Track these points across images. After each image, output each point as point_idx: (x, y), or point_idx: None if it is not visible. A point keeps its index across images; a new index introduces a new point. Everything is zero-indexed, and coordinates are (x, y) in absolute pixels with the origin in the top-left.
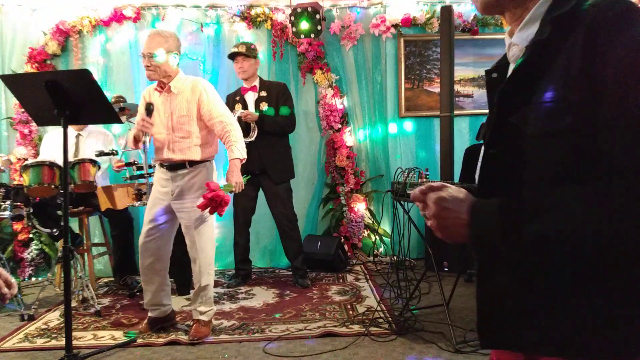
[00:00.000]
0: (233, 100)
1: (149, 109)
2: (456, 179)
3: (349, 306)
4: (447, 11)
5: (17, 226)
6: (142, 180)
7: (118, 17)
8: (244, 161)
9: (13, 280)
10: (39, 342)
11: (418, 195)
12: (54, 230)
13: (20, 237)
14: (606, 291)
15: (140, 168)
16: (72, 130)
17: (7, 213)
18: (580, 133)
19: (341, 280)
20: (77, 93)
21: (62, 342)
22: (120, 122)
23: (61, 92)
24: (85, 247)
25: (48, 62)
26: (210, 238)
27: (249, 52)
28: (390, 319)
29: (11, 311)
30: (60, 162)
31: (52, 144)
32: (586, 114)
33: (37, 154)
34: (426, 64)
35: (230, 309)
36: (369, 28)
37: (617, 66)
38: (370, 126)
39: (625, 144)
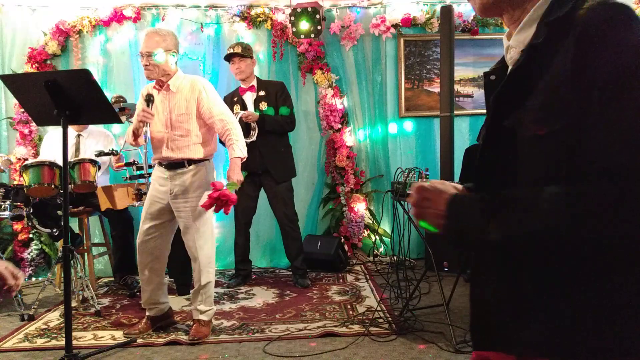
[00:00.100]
0: (231, 101)
1: (149, 100)
2: (456, 178)
3: (349, 306)
4: (447, 11)
5: (17, 226)
6: (142, 180)
7: (118, 17)
8: (244, 159)
9: (19, 272)
10: (39, 342)
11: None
12: (54, 230)
13: (20, 237)
14: (593, 293)
15: (140, 168)
16: (72, 130)
17: (7, 213)
18: (569, 136)
19: (341, 280)
20: (77, 93)
21: (62, 342)
22: (120, 122)
23: (61, 92)
24: (85, 247)
25: (48, 62)
26: (210, 236)
27: (245, 52)
28: (390, 319)
29: (11, 311)
30: (60, 162)
31: (52, 144)
32: (575, 118)
33: (37, 154)
34: (426, 64)
35: (230, 309)
36: (369, 28)
37: (604, 71)
38: (370, 126)
39: (602, 149)
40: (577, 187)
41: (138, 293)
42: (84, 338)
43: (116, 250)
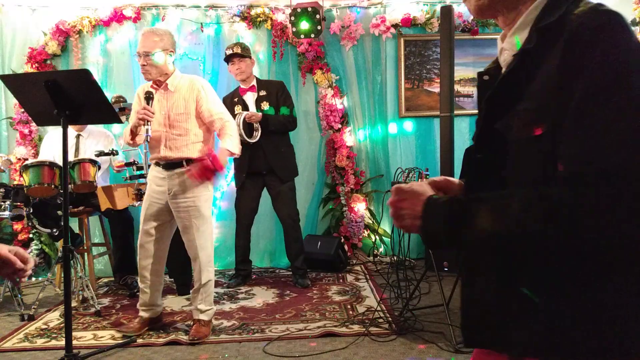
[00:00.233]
0: (231, 102)
1: (149, 98)
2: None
3: (349, 306)
4: (447, 11)
5: (17, 226)
6: (142, 180)
7: (118, 17)
8: (234, 156)
9: (28, 255)
10: (39, 342)
11: None
12: (54, 230)
13: (20, 237)
14: (591, 293)
15: (140, 168)
16: (72, 130)
17: (7, 213)
18: (555, 141)
19: (341, 280)
20: (77, 93)
21: (62, 342)
22: (120, 122)
23: (61, 92)
24: (85, 247)
25: (48, 62)
26: (210, 235)
27: (245, 52)
28: (390, 319)
29: (11, 311)
30: (60, 162)
31: (52, 144)
32: (559, 123)
33: (37, 154)
34: (426, 64)
35: (230, 309)
36: (369, 28)
37: (588, 76)
38: (370, 126)
39: (576, 152)
40: (546, 190)
41: (138, 293)
42: (84, 338)
43: (116, 250)
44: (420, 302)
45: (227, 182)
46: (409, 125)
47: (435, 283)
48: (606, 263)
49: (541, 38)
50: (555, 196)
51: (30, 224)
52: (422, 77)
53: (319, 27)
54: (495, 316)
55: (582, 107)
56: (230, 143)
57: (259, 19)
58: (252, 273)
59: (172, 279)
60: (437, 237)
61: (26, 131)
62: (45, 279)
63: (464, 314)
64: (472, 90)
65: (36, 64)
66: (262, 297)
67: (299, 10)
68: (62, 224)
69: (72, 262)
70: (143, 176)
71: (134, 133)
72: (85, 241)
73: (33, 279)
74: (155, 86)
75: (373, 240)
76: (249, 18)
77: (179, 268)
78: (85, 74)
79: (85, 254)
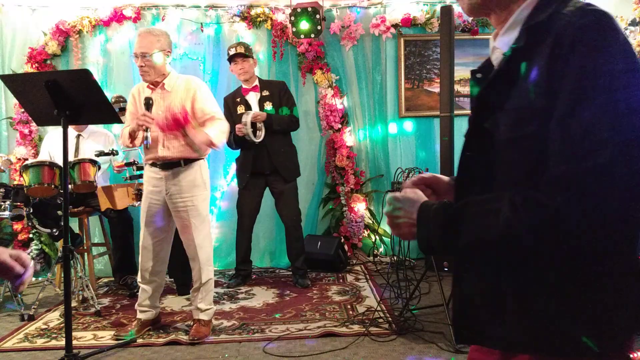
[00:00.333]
0: (233, 101)
1: (148, 104)
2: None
3: (349, 306)
4: (447, 11)
5: (17, 226)
6: (142, 180)
7: (118, 17)
8: (213, 146)
9: (29, 261)
10: (39, 342)
11: (409, 186)
12: (54, 230)
13: (20, 237)
14: (564, 293)
15: (140, 168)
16: (72, 130)
17: (7, 213)
18: (540, 141)
19: (341, 280)
20: (77, 93)
21: (62, 342)
22: (120, 122)
23: (61, 92)
24: (85, 247)
25: (48, 62)
26: (208, 234)
27: (248, 52)
28: (390, 319)
29: (11, 311)
30: (60, 162)
31: (52, 144)
32: (547, 122)
33: (37, 154)
34: (426, 64)
35: (230, 309)
36: (369, 28)
37: (574, 75)
38: (370, 126)
39: (560, 155)
40: (533, 193)
41: (137, 293)
42: (84, 338)
43: (116, 250)
44: (420, 302)
45: (227, 182)
46: (409, 125)
47: (435, 283)
48: (590, 262)
49: (530, 37)
50: (541, 199)
51: (30, 224)
52: (422, 77)
53: (319, 27)
54: (483, 313)
55: (565, 109)
56: (213, 132)
57: (259, 19)
58: (252, 273)
59: (172, 279)
60: (431, 243)
61: (26, 131)
62: (45, 279)
63: (454, 311)
64: None
65: (36, 64)
66: (262, 297)
67: (299, 10)
68: (62, 224)
69: (72, 262)
70: (143, 176)
71: (132, 136)
72: (85, 241)
73: (33, 279)
74: (151, 86)
75: (373, 240)
76: (249, 18)
77: (179, 268)
78: (85, 74)
79: (85, 254)
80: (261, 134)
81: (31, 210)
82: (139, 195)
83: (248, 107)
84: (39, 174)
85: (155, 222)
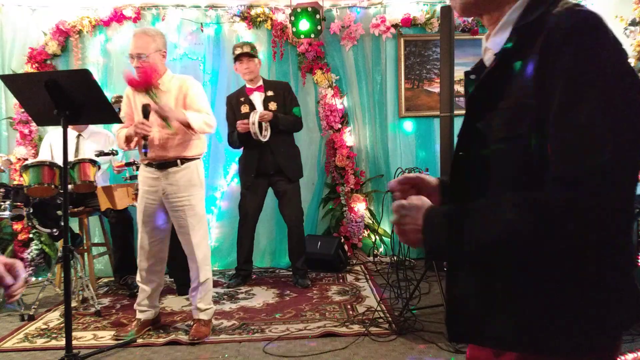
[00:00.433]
0: (237, 101)
1: (146, 111)
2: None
3: (349, 306)
4: (447, 11)
5: (17, 226)
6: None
7: (118, 17)
8: (189, 127)
9: (20, 269)
10: (39, 342)
11: (394, 184)
12: (54, 230)
13: (20, 237)
14: (555, 291)
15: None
16: (72, 131)
17: (7, 213)
18: (536, 138)
19: (341, 280)
20: (77, 93)
21: (62, 342)
22: (120, 122)
23: (61, 92)
24: (85, 247)
25: (48, 62)
26: (205, 233)
27: (254, 52)
28: (390, 319)
29: (11, 311)
30: (60, 162)
31: (52, 144)
32: (541, 121)
33: (37, 154)
34: (426, 64)
35: (230, 309)
36: (369, 28)
37: (566, 76)
38: (370, 126)
39: (561, 155)
40: (535, 195)
41: (137, 292)
42: (84, 338)
43: (116, 250)
44: (420, 302)
45: (227, 182)
46: (409, 125)
47: (435, 283)
48: (588, 260)
49: (521, 37)
50: (545, 199)
51: (30, 224)
52: (422, 77)
53: (319, 27)
54: (475, 312)
55: (561, 109)
56: (194, 115)
57: (259, 19)
58: (252, 273)
59: (172, 279)
60: (438, 248)
61: (26, 131)
62: (45, 279)
63: (447, 310)
64: None
65: (36, 64)
66: (262, 297)
67: (299, 10)
68: (62, 224)
69: (72, 262)
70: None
71: (129, 140)
72: (85, 241)
73: (33, 279)
74: None
75: (373, 240)
76: (249, 18)
77: (179, 268)
78: (85, 74)
79: (85, 254)
80: (267, 134)
81: (31, 210)
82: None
83: (252, 107)
84: (39, 174)
85: (152, 221)
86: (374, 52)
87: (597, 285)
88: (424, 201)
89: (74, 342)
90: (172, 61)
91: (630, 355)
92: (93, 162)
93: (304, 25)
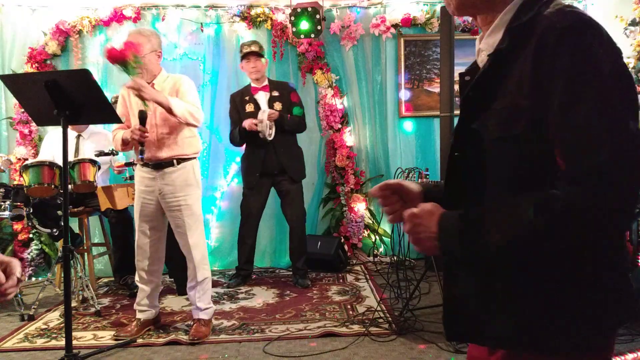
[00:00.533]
0: (241, 100)
1: (143, 117)
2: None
3: (349, 306)
4: (447, 11)
5: (17, 226)
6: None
7: (118, 17)
8: (171, 112)
9: (16, 272)
10: (39, 342)
11: (375, 191)
12: (54, 230)
13: (20, 237)
14: (554, 291)
15: None
16: (72, 131)
17: (7, 213)
18: (531, 138)
19: (341, 280)
20: (77, 93)
21: (62, 342)
22: (120, 122)
23: (61, 92)
24: (85, 247)
25: (48, 62)
26: (202, 233)
27: (262, 52)
28: (390, 319)
29: (11, 311)
30: (59, 162)
31: (52, 144)
32: (536, 121)
33: (37, 154)
34: (426, 64)
35: (230, 309)
36: (369, 28)
37: (563, 77)
38: (370, 126)
39: (562, 155)
40: (552, 193)
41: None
42: (84, 338)
43: (116, 250)
44: (420, 302)
45: (227, 182)
46: (409, 125)
47: (435, 283)
48: (589, 259)
49: (513, 39)
50: (560, 197)
51: (30, 224)
52: (422, 77)
53: (319, 27)
54: (475, 311)
55: (560, 111)
56: (178, 102)
57: (259, 19)
58: (252, 273)
59: (172, 279)
60: (454, 253)
61: (26, 131)
62: (45, 279)
63: (445, 310)
64: None
65: (36, 64)
66: (262, 297)
67: (299, 10)
68: (62, 224)
69: (72, 262)
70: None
71: (125, 143)
72: (85, 241)
73: (33, 279)
74: None
75: (373, 240)
76: (249, 18)
77: (179, 268)
78: (85, 74)
79: (85, 254)
80: (272, 132)
81: (31, 210)
82: None
83: (257, 106)
84: (38, 174)
85: (149, 222)
86: (374, 52)
87: (594, 285)
88: (435, 207)
89: (74, 342)
90: (172, 61)
91: (630, 355)
92: (93, 162)
93: (304, 25)
